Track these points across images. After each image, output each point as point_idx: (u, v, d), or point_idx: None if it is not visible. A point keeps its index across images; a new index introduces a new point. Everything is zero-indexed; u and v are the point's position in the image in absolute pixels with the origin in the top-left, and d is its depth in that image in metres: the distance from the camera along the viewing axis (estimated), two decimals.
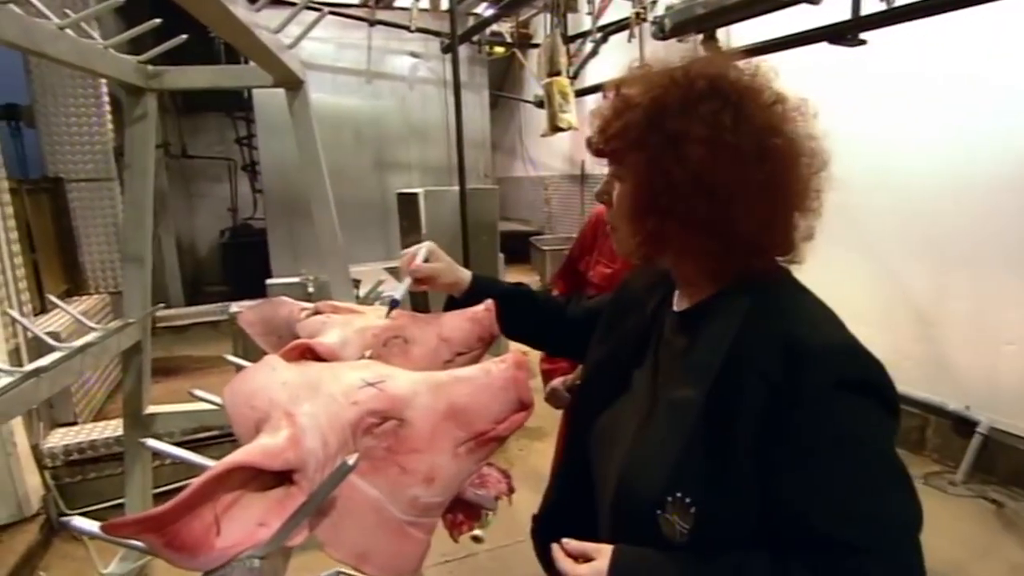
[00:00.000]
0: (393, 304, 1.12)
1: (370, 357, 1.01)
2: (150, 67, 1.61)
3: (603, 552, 0.83)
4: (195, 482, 0.56)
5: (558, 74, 3.87)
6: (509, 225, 9.73)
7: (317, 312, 1.18)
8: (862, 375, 0.76)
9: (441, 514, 0.83)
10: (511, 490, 0.91)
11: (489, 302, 1.24)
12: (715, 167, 0.78)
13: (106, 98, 4.43)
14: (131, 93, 1.64)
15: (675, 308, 0.94)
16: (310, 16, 1.72)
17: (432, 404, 0.78)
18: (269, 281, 3.69)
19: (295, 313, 1.23)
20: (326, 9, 1.63)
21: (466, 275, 1.22)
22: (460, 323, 1.20)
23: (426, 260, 1.15)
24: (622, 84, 0.87)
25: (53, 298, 1.58)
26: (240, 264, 7.02)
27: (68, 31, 1.35)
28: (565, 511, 1.10)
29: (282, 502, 0.66)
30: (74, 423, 3.47)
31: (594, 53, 4.65)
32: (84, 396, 3.70)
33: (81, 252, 4.41)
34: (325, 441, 0.70)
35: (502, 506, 3.10)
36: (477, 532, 3.08)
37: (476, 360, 1.16)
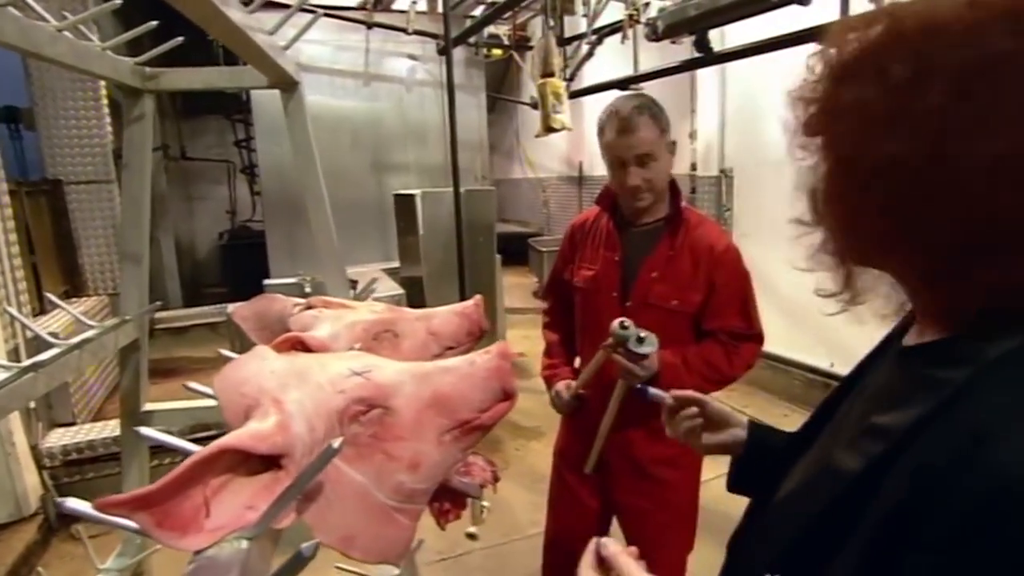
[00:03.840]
0: (642, 392, 1.14)
1: (360, 350, 1.03)
2: (147, 69, 1.63)
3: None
4: (185, 463, 0.58)
5: (551, 75, 3.91)
6: (507, 227, 9.77)
7: (309, 307, 1.21)
8: None
9: (427, 501, 0.85)
10: (496, 479, 0.94)
11: (478, 297, 1.27)
12: (978, 125, 0.54)
13: (105, 101, 4.46)
14: (129, 95, 1.67)
15: (905, 342, 0.70)
16: (307, 19, 1.76)
17: (417, 393, 0.80)
18: (267, 281, 3.72)
19: (288, 308, 1.26)
20: (321, 11, 1.65)
21: (741, 419, 1.04)
22: (449, 318, 1.22)
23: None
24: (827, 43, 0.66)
25: (51, 296, 1.60)
26: (239, 266, 7.05)
27: (66, 33, 1.37)
28: None
29: (270, 486, 0.68)
30: (73, 423, 3.50)
31: (590, 55, 4.69)
32: (83, 396, 3.73)
33: (80, 254, 4.43)
34: (312, 427, 0.72)
35: (497, 505, 3.15)
36: (472, 529, 3.10)
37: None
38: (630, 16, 3.24)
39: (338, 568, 1.66)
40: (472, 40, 5.71)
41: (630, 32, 3.67)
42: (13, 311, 1.55)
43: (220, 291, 7.62)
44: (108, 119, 4.48)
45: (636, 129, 1.56)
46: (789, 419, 4.12)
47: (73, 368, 1.38)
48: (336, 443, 0.63)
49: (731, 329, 1.64)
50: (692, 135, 5.07)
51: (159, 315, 5.72)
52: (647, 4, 3.07)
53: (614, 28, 4.01)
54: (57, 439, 3.27)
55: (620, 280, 1.68)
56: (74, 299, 4.21)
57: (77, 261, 4.41)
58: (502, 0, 4.04)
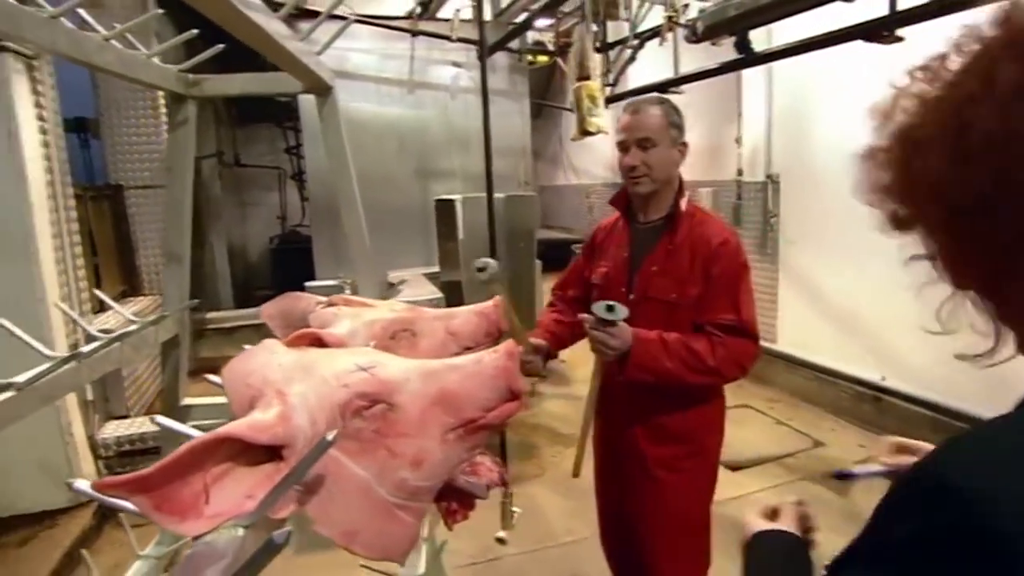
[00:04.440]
0: (848, 477, 1.01)
1: (375, 348, 1.04)
2: (191, 75, 1.70)
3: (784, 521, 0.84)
4: (180, 448, 0.60)
5: (587, 78, 3.90)
6: (551, 233, 9.75)
7: (331, 305, 1.23)
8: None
9: (432, 500, 0.85)
10: (503, 481, 0.93)
11: (498, 297, 1.27)
12: None
13: (164, 110, 4.67)
14: (174, 101, 1.74)
15: None
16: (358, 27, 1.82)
17: (422, 390, 0.80)
18: (308, 283, 3.81)
19: (311, 307, 1.29)
20: (351, 17, 1.69)
21: None
22: (468, 317, 1.22)
23: None
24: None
25: (100, 293, 1.68)
26: (288, 269, 7.26)
27: (114, 43, 1.45)
28: None
29: (270, 476, 0.69)
30: (126, 416, 3.66)
31: (632, 59, 4.65)
32: (136, 391, 3.90)
33: (138, 256, 4.65)
34: (314, 420, 0.73)
35: (532, 511, 3.15)
36: (501, 534, 3.08)
37: None
38: (669, 18, 3.19)
39: (364, 567, 1.68)
40: (516, 46, 5.73)
41: (669, 35, 3.62)
42: (63, 306, 1.64)
43: (270, 293, 7.82)
44: (165, 126, 4.69)
45: (642, 112, 1.68)
46: (836, 434, 3.95)
47: (114, 360, 1.44)
48: (330, 436, 0.64)
49: (720, 321, 1.65)
50: (738, 140, 4.95)
51: (210, 315, 5.94)
52: (686, 5, 3.03)
53: (656, 32, 3.97)
54: (112, 431, 3.43)
55: (628, 275, 1.76)
56: (131, 298, 4.42)
57: (135, 262, 4.62)
58: (537, 7, 4.06)
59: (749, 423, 4.21)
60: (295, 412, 0.72)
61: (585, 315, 1.61)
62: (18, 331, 1.27)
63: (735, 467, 3.58)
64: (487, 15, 5.91)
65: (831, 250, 4.12)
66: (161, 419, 0.83)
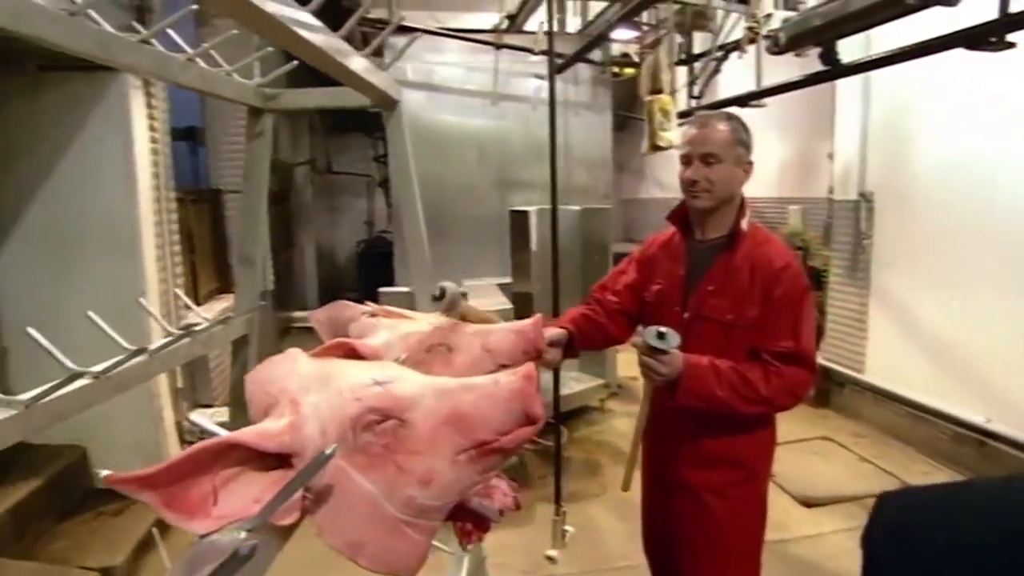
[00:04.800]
0: None
1: (404, 361, 1.05)
2: (267, 90, 1.80)
3: None
4: (189, 449, 0.63)
5: (660, 92, 3.81)
6: (633, 247, 9.58)
7: (373, 315, 1.27)
8: None
9: (442, 519, 0.84)
10: (517, 506, 0.91)
11: (538, 316, 1.25)
12: None
13: None
14: (252, 114, 1.85)
15: None
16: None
17: (435, 408, 0.80)
18: (382, 289, 3.94)
19: (357, 316, 1.33)
20: (418, 32, 1.74)
21: None
22: (505, 335, 1.22)
23: None
24: None
25: (179, 292, 1.81)
26: (372, 273, 7.55)
27: (199, 61, 1.56)
28: None
29: (278, 483, 0.71)
30: (211, 405, 3.91)
31: (716, 71, 4.51)
32: (222, 382, 4.17)
33: (231, 255, 4.98)
34: (324, 431, 0.75)
35: (589, 531, 3.11)
36: (551, 553, 3.01)
37: None
38: (750, 29, 3.06)
39: None
40: (599, 58, 5.70)
41: (751, 47, 3.48)
42: (143, 301, 1.78)
43: (355, 296, 8.17)
44: None
45: (709, 127, 1.63)
46: (930, 477, 3.61)
47: (182, 355, 1.54)
48: (328, 450, 0.65)
49: (776, 349, 1.57)
50: (831, 155, 4.67)
51: (296, 314, 6.27)
52: (769, 16, 2.90)
53: (739, 44, 3.83)
54: (196, 418, 3.68)
55: (683, 293, 1.70)
56: (223, 295, 4.74)
57: (228, 262, 4.95)
58: (613, 19, 4.01)
59: (830, 457, 3.94)
60: (306, 422, 0.73)
61: (635, 339, 1.57)
62: (100, 322, 1.38)
63: (810, 503, 3.36)
64: (569, 27, 5.92)
65: (929, 275, 3.80)
66: (196, 417, 0.87)
